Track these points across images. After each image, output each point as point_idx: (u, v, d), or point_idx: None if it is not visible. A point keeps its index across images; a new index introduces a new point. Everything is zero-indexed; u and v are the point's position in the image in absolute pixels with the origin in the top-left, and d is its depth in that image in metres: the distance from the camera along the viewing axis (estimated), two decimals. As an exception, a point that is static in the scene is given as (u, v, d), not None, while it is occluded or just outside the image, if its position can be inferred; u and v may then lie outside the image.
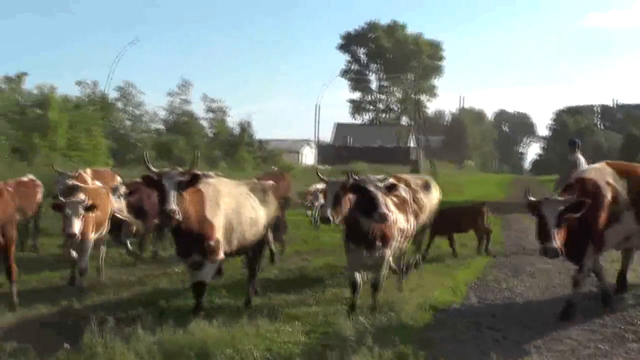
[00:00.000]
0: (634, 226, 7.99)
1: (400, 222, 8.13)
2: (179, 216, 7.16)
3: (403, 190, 8.87)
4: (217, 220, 7.67)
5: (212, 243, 7.56)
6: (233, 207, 7.95)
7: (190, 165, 7.76)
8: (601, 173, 8.05)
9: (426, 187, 10.38)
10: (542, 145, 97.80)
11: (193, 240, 7.50)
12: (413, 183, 10.02)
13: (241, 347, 6.37)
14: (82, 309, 8.03)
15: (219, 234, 7.67)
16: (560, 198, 7.41)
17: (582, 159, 11.96)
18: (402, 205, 8.44)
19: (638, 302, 8.47)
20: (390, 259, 8.25)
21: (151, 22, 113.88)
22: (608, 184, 7.88)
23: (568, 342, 6.89)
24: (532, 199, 7.46)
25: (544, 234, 7.13)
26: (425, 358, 6.21)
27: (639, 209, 7.93)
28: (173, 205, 7.11)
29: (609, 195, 7.77)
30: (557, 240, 6.99)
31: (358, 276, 7.92)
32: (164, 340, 6.49)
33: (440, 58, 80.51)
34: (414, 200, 9.13)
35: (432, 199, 10.48)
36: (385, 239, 7.76)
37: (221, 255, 7.75)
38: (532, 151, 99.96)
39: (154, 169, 7.59)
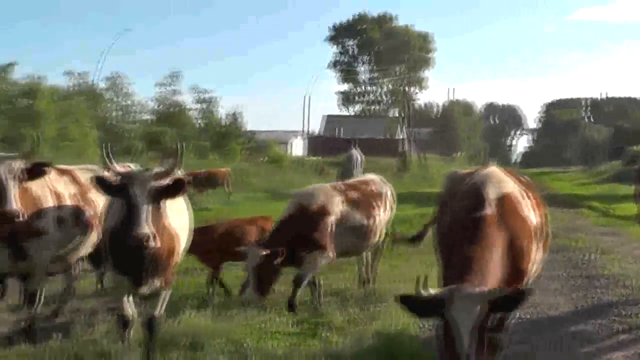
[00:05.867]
0: None
1: None
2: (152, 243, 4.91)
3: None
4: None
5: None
6: None
7: (170, 164, 5.40)
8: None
9: None
10: (531, 138, 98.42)
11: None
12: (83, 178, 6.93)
13: (233, 337, 6.41)
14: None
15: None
16: None
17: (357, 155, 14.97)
18: None
19: None
20: None
21: (142, 13, 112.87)
22: None
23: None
24: None
25: None
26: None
27: None
28: (145, 228, 4.86)
29: None
30: None
31: None
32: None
33: (431, 50, 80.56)
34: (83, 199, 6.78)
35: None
36: None
37: None
38: (521, 144, 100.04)
39: (117, 167, 5.44)
